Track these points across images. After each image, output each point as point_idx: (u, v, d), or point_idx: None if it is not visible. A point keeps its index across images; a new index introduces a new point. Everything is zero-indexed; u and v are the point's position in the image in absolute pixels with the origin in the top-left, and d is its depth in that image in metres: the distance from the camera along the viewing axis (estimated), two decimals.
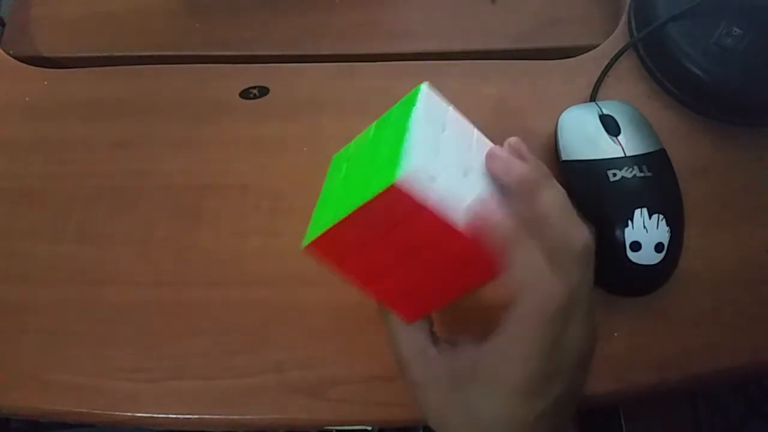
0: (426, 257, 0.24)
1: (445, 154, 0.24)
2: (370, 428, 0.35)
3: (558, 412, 0.24)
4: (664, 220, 0.33)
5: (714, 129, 0.39)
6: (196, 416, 0.33)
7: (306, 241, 0.25)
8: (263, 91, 0.41)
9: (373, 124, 0.27)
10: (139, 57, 0.44)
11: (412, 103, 0.25)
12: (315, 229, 0.25)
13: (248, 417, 0.33)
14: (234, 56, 0.44)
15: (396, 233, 0.23)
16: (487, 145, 0.26)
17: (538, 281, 0.23)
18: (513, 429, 0.24)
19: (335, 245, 0.25)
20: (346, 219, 0.24)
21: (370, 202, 0.23)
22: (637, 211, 0.33)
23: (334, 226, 0.24)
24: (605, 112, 0.37)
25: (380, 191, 0.22)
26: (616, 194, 0.34)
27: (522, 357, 0.23)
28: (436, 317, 0.28)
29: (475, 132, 0.26)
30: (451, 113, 0.26)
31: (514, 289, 0.23)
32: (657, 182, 0.34)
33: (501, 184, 0.25)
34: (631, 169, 0.34)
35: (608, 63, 0.41)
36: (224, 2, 0.46)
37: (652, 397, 0.34)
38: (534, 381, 0.23)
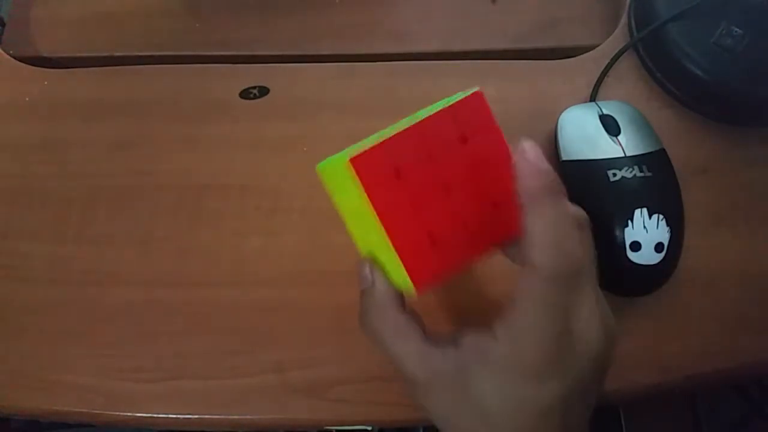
0: (466, 191, 0.24)
1: None
2: (370, 428, 0.35)
3: (568, 410, 0.24)
4: (664, 220, 0.33)
5: (714, 129, 0.39)
6: (196, 416, 0.33)
7: (350, 155, 0.23)
8: (263, 91, 0.41)
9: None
10: (139, 57, 0.44)
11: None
12: (361, 147, 0.23)
13: (248, 417, 0.33)
14: (234, 56, 0.44)
15: (454, 153, 0.24)
16: None
17: (555, 240, 0.23)
18: (523, 418, 0.24)
19: (382, 164, 0.23)
20: (416, 126, 0.24)
21: (449, 108, 0.24)
22: (637, 211, 0.33)
23: (400, 133, 0.23)
24: (605, 112, 0.37)
25: (463, 97, 0.24)
26: (616, 194, 0.34)
27: (534, 325, 0.23)
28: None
29: None
30: None
31: (529, 246, 0.23)
32: (657, 182, 0.34)
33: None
34: (631, 169, 0.34)
35: (608, 63, 0.41)
36: (224, 2, 0.46)
37: (652, 397, 0.34)
38: (546, 357, 0.23)
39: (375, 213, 0.23)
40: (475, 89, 0.25)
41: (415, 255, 0.23)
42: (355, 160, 0.23)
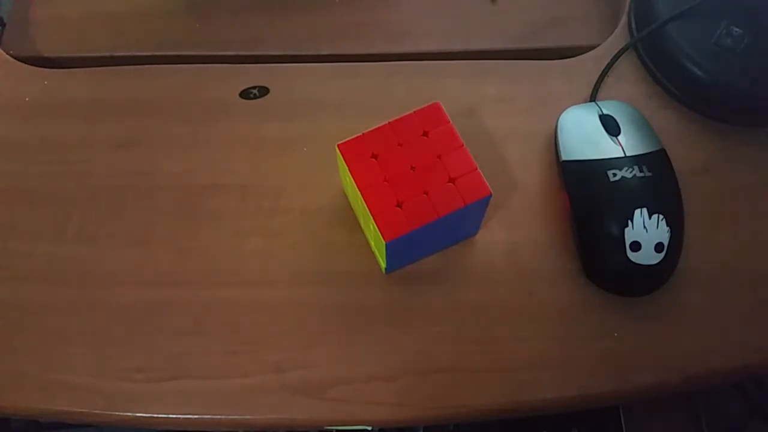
0: (427, 170, 0.31)
1: None
2: (370, 428, 0.35)
3: None
4: (664, 220, 0.33)
5: (714, 129, 0.39)
6: (196, 416, 0.33)
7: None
8: (263, 91, 0.41)
9: None
10: (139, 57, 0.44)
11: None
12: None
13: (248, 417, 0.33)
14: (234, 56, 0.44)
15: (418, 142, 0.32)
16: None
17: None
18: None
19: (362, 149, 0.31)
20: (389, 123, 0.32)
21: (414, 112, 0.32)
22: (637, 211, 0.33)
23: (377, 128, 0.32)
24: (605, 112, 0.37)
25: (425, 105, 0.32)
26: (616, 194, 0.34)
27: None
28: None
29: None
30: None
31: None
32: (657, 182, 0.34)
33: None
34: (631, 169, 0.34)
35: (608, 63, 0.41)
36: (224, 2, 0.46)
37: (652, 397, 0.34)
38: None
39: (356, 184, 0.31)
40: (435, 102, 0.33)
41: (385, 215, 0.30)
42: (342, 145, 0.32)
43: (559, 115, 0.38)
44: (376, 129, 0.32)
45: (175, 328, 0.34)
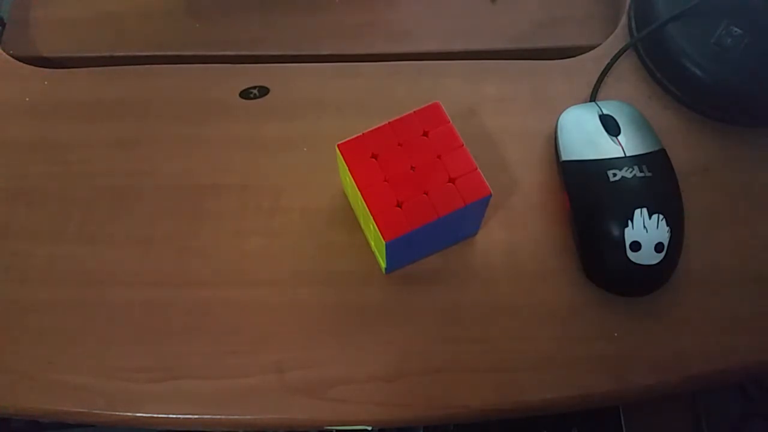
0: (427, 170, 0.31)
1: None
2: (369, 428, 0.35)
3: None
4: (664, 220, 0.33)
5: (714, 129, 0.39)
6: (196, 416, 0.33)
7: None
8: (263, 91, 0.41)
9: None
10: (139, 57, 0.44)
11: None
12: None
13: (248, 417, 0.33)
14: (234, 56, 0.44)
15: (418, 142, 0.32)
16: None
17: None
18: None
19: (362, 149, 0.31)
20: (389, 123, 0.32)
21: (414, 112, 0.32)
22: (637, 211, 0.33)
23: (377, 128, 0.32)
24: (605, 112, 0.37)
25: (425, 105, 0.33)
26: (616, 194, 0.34)
27: None
28: None
29: None
30: None
31: None
32: (657, 182, 0.34)
33: None
34: (631, 169, 0.34)
35: (608, 63, 0.41)
36: (224, 2, 0.46)
37: (652, 397, 0.34)
38: None
39: (356, 184, 0.31)
40: (435, 102, 0.33)
41: (385, 214, 0.30)
42: (342, 145, 0.32)
43: (559, 115, 0.38)
44: (376, 129, 0.32)
45: (175, 328, 0.34)
